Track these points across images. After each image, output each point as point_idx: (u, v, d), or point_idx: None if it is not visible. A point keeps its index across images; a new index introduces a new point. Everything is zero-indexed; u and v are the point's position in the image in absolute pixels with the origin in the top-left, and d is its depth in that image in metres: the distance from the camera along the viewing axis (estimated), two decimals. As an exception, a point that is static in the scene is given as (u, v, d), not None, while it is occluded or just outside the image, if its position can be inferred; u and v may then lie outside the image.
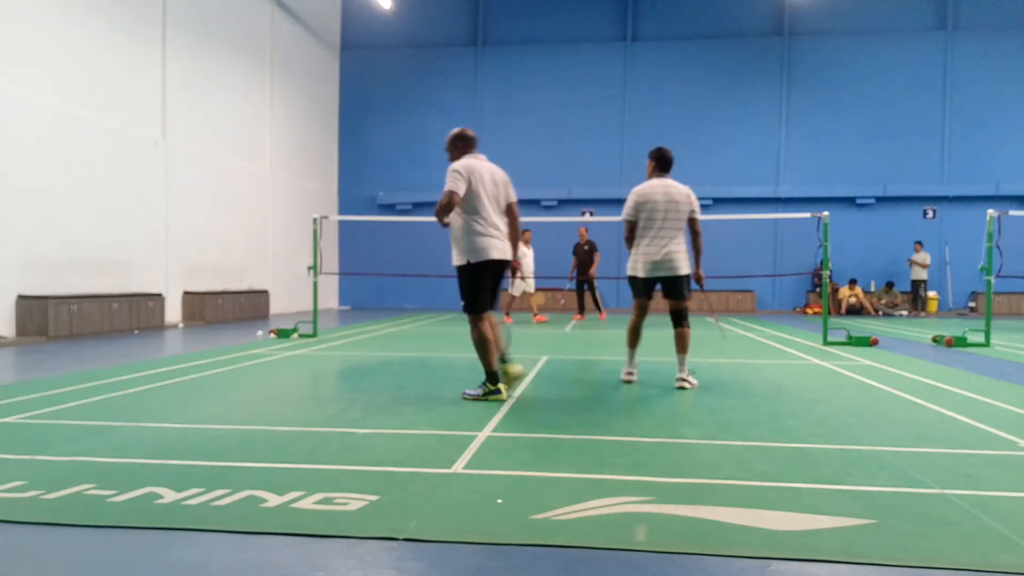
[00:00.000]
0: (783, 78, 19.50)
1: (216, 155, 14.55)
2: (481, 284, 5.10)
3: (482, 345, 5.08)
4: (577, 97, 20.11)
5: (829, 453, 3.60)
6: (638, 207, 5.76)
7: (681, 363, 5.80)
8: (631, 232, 5.83)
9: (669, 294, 5.84)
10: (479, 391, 5.13)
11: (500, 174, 5.29)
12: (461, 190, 4.96)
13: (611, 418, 4.55)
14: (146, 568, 2.21)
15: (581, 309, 14.65)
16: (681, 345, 5.82)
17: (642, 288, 5.85)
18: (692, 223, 5.85)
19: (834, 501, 2.82)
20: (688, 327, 5.83)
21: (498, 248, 5.11)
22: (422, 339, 10.26)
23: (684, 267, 5.73)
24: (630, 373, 6.02)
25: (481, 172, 5.10)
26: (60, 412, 4.58)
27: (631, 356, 6.02)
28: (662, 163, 5.93)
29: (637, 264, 5.77)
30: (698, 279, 6.01)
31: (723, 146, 19.57)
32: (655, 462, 3.41)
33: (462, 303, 5.17)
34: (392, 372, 6.61)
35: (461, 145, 5.26)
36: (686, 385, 5.70)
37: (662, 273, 5.73)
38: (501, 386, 5.11)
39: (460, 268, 5.13)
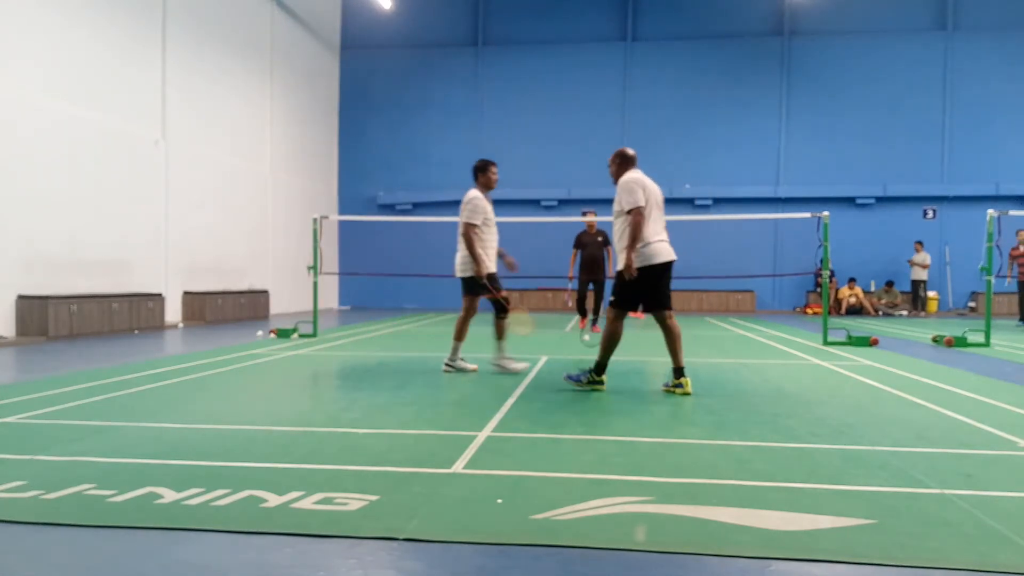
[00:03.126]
0: (783, 78, 19.51)
1: (216, 155, 14.55)
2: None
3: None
4: (577, 97, 20.11)
5: (829, 453, 3.60)
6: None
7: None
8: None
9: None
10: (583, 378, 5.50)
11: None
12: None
13: (611, 418, 4.55)
14: (146, 568, 2.21)
15: (585, 313, 11.92)
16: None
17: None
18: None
19: (834, 501, 2.82)
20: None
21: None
22: (422, 339, 10.26)
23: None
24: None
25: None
26: (60, 412, 4.58)
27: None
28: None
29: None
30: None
31: (723, 146, 19.57)
32: (655, 462, 3.41)
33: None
34: (392, 372, 6.61)
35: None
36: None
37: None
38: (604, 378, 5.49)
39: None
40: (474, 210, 6.23)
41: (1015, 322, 14.38)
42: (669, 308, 5.42)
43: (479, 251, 6.25)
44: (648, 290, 5.35)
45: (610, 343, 5.45)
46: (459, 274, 6.42)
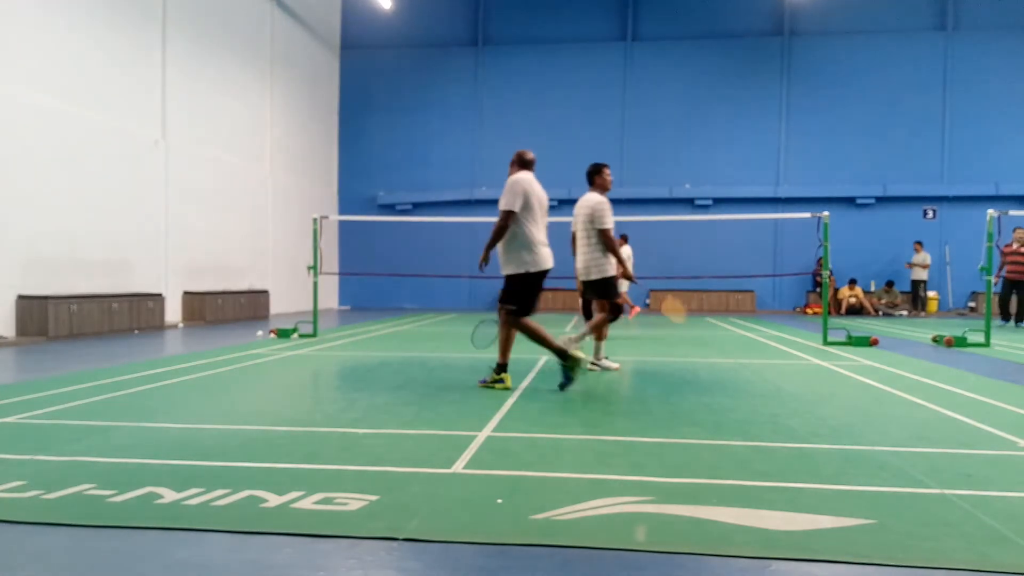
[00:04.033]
0: (783, 78, 19.51)
1: (216, 155, 14.55)
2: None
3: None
4: (577, 97, 20.12)
5: (829, 453, 3.60)
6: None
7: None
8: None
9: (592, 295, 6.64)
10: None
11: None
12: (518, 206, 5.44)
13: (611, 418, 4.55)
14: (146, 568, 2.21)
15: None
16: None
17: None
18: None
19: (834, 501, 2.82)
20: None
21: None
22: (422, 339, 10.26)
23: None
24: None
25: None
26: (60, 412, 4.58)
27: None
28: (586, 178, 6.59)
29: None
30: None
31: (723, 146, 19.57)
32: (655, 462, 3.41)
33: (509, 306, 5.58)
34: (392, 372, 6.61)
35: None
36: (595, 368, 6.51)
37: (581, 278, 6.57)
38: (505, 376, 5.59)
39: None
40: (609, 213, 6.39)
41: (1013, 323, 14.35)
42: (529, 314, 5.67)
43: (621, 253, 6.45)
44: (538, 292, 5.61)
45: (536, 337, 5.54)
46: (592, 276, 6.44)
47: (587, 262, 6.45)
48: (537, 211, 5.58)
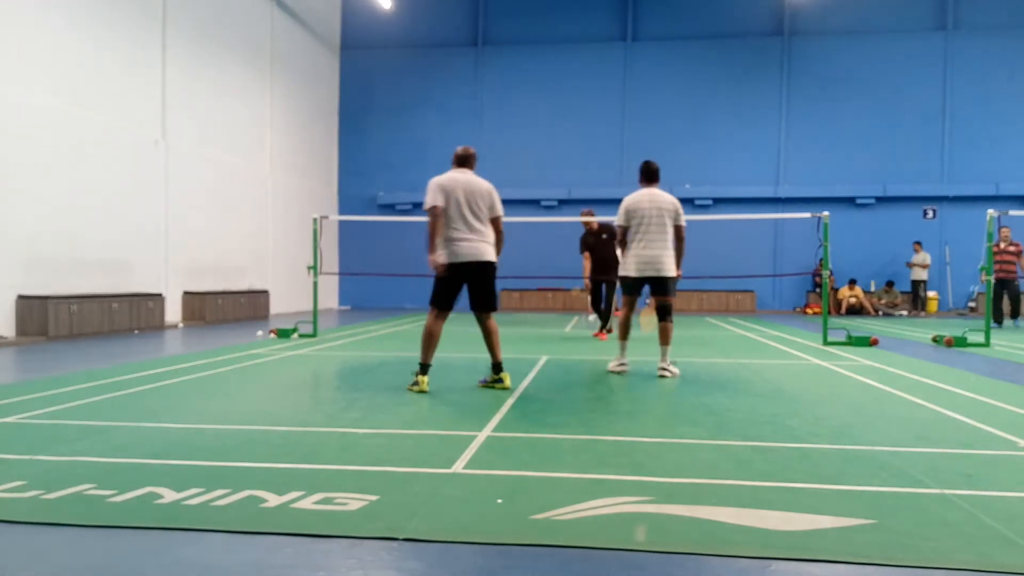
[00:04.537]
0: (783, 78, 19.51)
1: (216, 155, 14.55)
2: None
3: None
4: (577, 97, 20.11)
5: (829, 453, 3.60)
6: (629, 214, 6.42)
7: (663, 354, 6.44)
8: (623, 235, 6.53)
9: (655, 291, 6.52)
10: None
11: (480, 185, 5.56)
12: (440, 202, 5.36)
13: (611, 418, 4.55)
14: (146, 568, 2.21)
15: (605, 321, 10.49)
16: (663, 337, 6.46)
17: (631, 286, 6.55)
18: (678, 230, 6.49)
19: (834, 501, 2.82)
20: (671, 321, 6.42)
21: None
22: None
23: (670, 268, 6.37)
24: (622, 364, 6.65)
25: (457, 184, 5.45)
26: (60, 412, 4.58)
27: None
28: (647, 175, 6.59)
29: (629, 265, 6.41)
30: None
31: (723, 146, 19.57)
32: (655, 462, 3.41)
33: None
34: (392, 372, 6.61)
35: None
36: (667, 374, 6.31)
37: (649, 273, 6.38)
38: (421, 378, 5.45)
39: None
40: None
41: (1013, 322, 14.33)
42: (486, 311, 5.55)
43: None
44: (459, 288, 5.46)
45: (423, 340, 5.50)
46: (670, 272, 6.40)
47: (664, 258, 6.35)
48: (462, 206, 5.35)
